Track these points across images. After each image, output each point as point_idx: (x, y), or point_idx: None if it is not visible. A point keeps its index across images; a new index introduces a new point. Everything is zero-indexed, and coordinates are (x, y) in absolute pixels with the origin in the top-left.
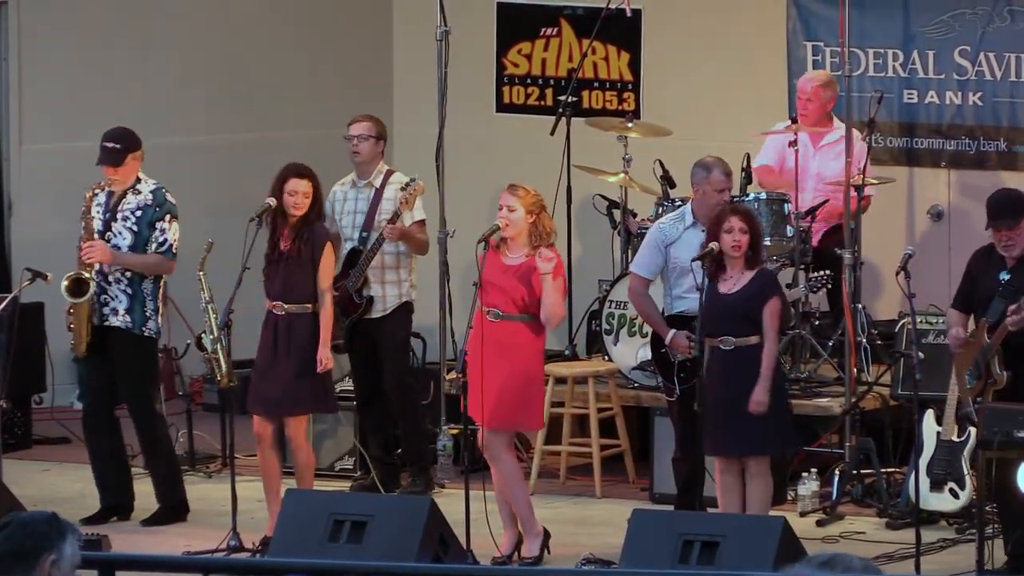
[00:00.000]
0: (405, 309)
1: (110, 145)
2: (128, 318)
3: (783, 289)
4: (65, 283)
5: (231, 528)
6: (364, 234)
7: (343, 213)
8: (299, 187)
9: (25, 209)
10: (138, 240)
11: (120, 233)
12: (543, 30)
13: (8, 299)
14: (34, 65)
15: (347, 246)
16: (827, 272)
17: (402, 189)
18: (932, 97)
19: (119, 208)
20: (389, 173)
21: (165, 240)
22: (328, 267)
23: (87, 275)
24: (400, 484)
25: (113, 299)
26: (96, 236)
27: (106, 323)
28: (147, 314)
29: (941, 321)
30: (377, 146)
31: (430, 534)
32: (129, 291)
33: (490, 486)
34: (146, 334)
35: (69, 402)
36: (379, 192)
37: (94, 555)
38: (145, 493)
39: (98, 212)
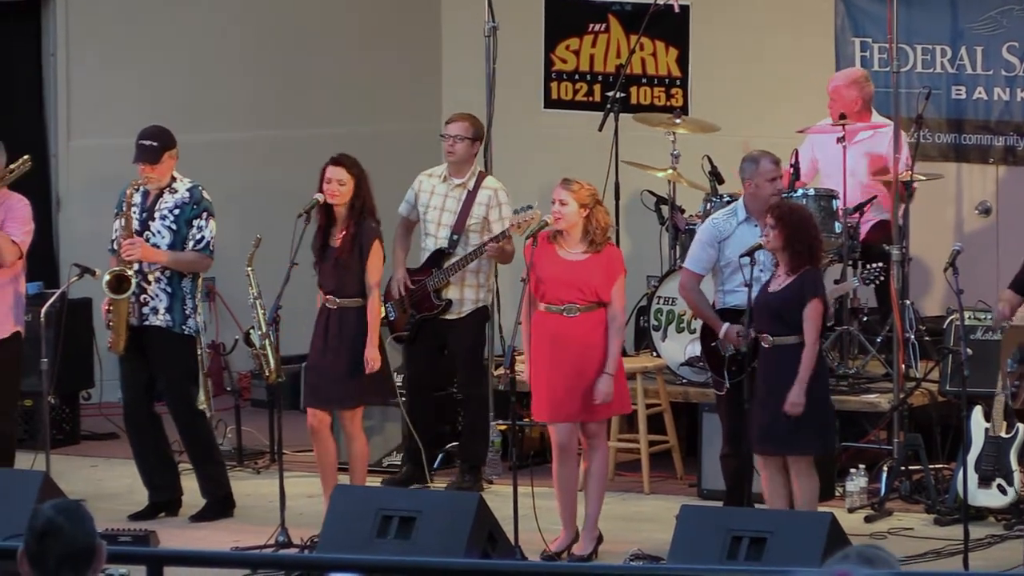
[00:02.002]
0: (480, 314)
1: (147, 143)
2: (168, 317)
3: (825, 289)
4: (107, 278)
5: (279, 524)
6: (455, 236)
7: (429, 207)
8: (334, 174)
9: (73, 205)
10: (176, 238)
11: (159, 232)
12: (591, 26)
13: (56, 295)
14: (82, 61)
15: (429, 242)
16: (880, 264)
17: (515, 212)
18: (980, 93)
19: (156, 207)
20: (482, 176)
21: (203, 238)
22: (376, 264)
23: (129, 272)
24: (424, 481)
25: (153, 298)
26: (134, 235)
27: (146, 323)
28: (187, 312)
29: (989, 317)
30: (473, 147)
31: (478, 530)
32: (168, 290)
33: (539, 482)
34: (186, 332)
35: (117, 398)
36: (472, 195)
37: (143, 551)
38: (193, 489)
39: (135, 211)
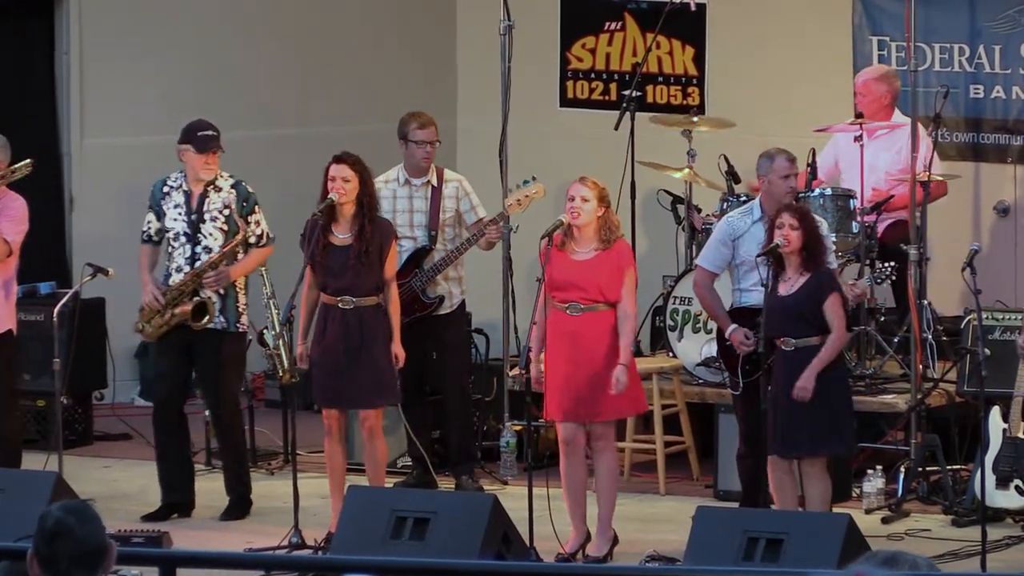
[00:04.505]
0: (464, 306)
1: (209, 132)
2: (223, 319)
3: (841, 286)
4: (187, 309)
5: (293, 525)
6: (432, 233)
7: (395, 211)
8: (337, 172)
9: (86, 204)
10: (228, 238)
11: (211, 234)
12: (607, 24)
13: (69, 294)
14: (95, 60)
15: (406, 244)
16: (892, 264)
17: (517, 187)
18: (998, 92)
19: (205, 209)
20: (440, 171)
21: (263, 231)
22: (394, 259)
23: (213, 300)
24: (433, 485)
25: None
26: (184, 239)
27: None
28: (239, 310)
29: (1007, 317)
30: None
31: (493, 531)
32: (221, 291)
33: (554, 483)
34: (240, 330)
35: (130, 398)
36: (437, 191)
37: (156, 552)
38: (206, 491)
39: (179, 214)
